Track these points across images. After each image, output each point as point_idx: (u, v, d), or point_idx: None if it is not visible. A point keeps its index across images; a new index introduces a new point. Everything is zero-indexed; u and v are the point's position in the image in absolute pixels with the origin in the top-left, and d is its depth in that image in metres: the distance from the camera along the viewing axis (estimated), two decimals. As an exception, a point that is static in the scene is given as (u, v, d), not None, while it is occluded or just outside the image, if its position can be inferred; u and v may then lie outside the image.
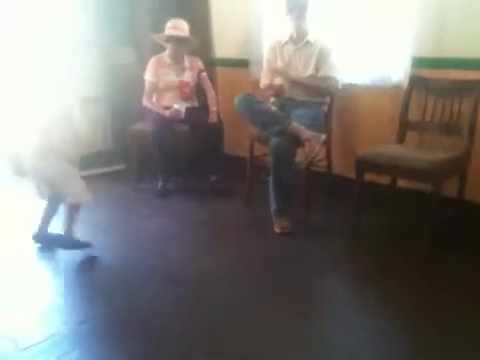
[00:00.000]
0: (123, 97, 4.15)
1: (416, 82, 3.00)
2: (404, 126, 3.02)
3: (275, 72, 3.23)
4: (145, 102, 3.81)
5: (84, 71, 4.22)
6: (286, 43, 3.35)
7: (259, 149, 3.38)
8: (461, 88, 2.81)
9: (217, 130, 3.75)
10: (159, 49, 3.85)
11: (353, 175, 2.84)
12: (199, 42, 3.83)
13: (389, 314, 2.15)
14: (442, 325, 2.03)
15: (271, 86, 3.31)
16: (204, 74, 3.90)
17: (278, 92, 3.24)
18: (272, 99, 3.34)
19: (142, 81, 3.83)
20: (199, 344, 1.96)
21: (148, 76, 3.81)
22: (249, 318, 2.13)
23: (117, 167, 4.39)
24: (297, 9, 3.15)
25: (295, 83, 3.20)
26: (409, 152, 2.77)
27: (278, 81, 3.25)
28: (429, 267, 2.52)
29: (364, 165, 2.77)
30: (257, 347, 1.94)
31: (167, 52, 3.80)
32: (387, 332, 2.03)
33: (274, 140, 2.96)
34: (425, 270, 2.49)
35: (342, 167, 3.41)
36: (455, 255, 2.61)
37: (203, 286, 2.41)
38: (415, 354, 1.88)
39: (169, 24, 3.69)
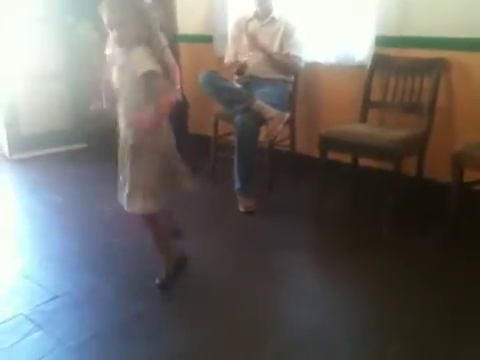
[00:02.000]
0: (84, 74, 4.03)
1: (379, 61, 3.02)
2: (367, 105, 3.05)
3: (248, 37, 3.16)
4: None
5: (43, 47, 4.08)
6: (251, 19, 3.30)
7: (224, 128, 3.35)
8: (422, 67, 2.85)
9: (181, 108, 3.69)
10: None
11: (316, 154, 2.86)
12: (163, 11, 3.74)
13: (356, 289, 2.20)
14: (408, 300, 2.09)
15: (235, 63, 3.27)
16: (168, 50, 3.81)
17: (241, 70, 3.21)
18: (236, 77, 3.31)
19: (104, 57, 3.72)
20: (165, 326, 1.96)
21: (109, 51, 3.69)
22: (216, 295, 2.15)
23: (78, 146, 4.29)
24: None
25: (264, 52, 3.16)
26: (371, 131, 2.80)
27: (243, 59, 3.22)
28: (394, 243, 2.57)
29: (327, 144, 2.79)
30: (223, 324, 1.95)
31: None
32: (353, 307, 2.08)
33: (238, 118, 2.94)
34: (390, 246, 2.55)
35: (306, 146, 3.42)
36: (418, 231, 2.68)
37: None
38: (378, 326, 1.94)
39: None
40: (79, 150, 4.27)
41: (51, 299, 2.13)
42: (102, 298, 2.15)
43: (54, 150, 4.18)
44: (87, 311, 2.07)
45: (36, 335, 1.90)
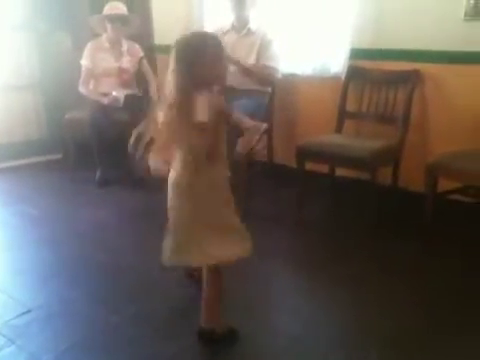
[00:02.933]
0: (58, 84, 3.98)
1: (354, 73, 3.08)
2: (342, 116, 3.09)
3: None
4: (81, 89, 3.68)
5: (17, 56, 4.03)
6: (228, 31, 3.32)
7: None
8: (396, 79, 2.91)
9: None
10: (97, 34, 3.73)
11: (294, 164, 2.88)
12: (140, 22, 3.75)
13: (336, 296, 2.20)
14: (387, 306, 2.11)
15: None
16: (145, 61, 3.81)
17: None
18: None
19: (79, 67, 3.69)
20: (144, 338, 1.93)
21: (85, 61, 3.67)
22: (196, 308, 2.11)
23: (53, 156, 4.22)
24: None
25: (239, 67, 3.18)
26: (347, 141, 2.84)
27: None
28: (371, 250, 2.60)
29: (304, 154, 2.82)
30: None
31: (105, 36, 3.68)
32: (333, 314, 2.08)
33: (215, 129, 2.93)
34: (368, 253, 2.57)
35: (283, 156, 3.44)
36: (394, 238, 2.70)
37: (145, 277, 2.37)
38: (358, 333, 1.95)
39: (107, 6, 3.59)
40: (54, 160, 4.21)
41: (24, 313, 2.07)
42: (76, 311, 2.11)
43: (28, 160, 4.11)
44: (60, 324, 2.02)
45: (8, 350, 1.84)
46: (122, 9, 3.61)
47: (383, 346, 1.86)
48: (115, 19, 3.59)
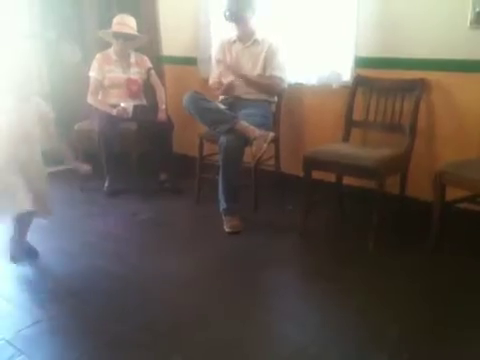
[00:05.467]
0: (68, 95, 4.03)
1: (360, 82, 3.08)
2: (349, 125, 3.10)
3: (227, 68, 3.21)
4: (90, 100, 3.72)
5: (27, 67, 4.08)
6: (234, 42, 3.35)
7: (208, 148, 3.36)
8: (403, 87, 2.91)
9: (166, 129, 3.71)
10: (106, 46, 3.78)
11: (301, 173, 2.88)
12: (147, 39, 3.79)
13: (342, 305, 2.20)
14: (394, 314, 2.10)
15: (220, 84, 3.29)
16: (153, 72, 3.85)
17: (227, 91, 3.23)
18: (221, 97, 3.34)
19: (88, 78, 3.73)
20: (151, 347, 1.93)
21: (93, 73, 3.72)
22: (202, 317, 2.13)
23: (62, 167, 4.25)
24: (233, 17, 3.16)
25: (245, 80, 3.20)
26: (354, 150, 2.84)
27: (228, 79, 3.24)
28: (379, 260, 2.59)
29: (311, 163, 2.82)
30: (210, 343, 1.94)
31: (113, 48, 3.73)
32: (339, 322, 2.08)
33: (223, 139, 2.95)
34: (376, 263, 2.56)
35: (290, 165, 3.44)
36: (402, 248, 2.69)
37: (153, 287, 2.38)
38: (365, 340, 1.94)
39: (116, 20, 3.63)
40: (62, 171, 4.23)
41: (34, 323, 2.09)
42: (85, 322, 2.12)
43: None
44: (70, 335, 2.04)
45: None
46: (130, 25, 3.64)
47: (390, 353, 1.85)
48: (122, 37, 3.64)
